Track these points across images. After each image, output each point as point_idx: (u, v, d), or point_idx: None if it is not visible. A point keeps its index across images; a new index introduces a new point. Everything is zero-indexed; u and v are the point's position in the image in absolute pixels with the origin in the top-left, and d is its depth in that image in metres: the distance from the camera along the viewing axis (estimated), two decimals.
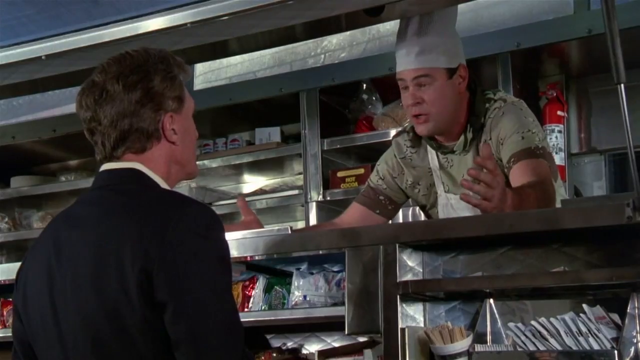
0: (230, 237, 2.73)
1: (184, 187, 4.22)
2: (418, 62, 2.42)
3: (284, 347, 2.72)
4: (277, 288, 2.38)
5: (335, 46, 3.94)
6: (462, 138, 2.49)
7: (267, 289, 2.41)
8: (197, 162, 4.18)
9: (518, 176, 2.31)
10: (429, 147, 2.59)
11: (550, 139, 3.52)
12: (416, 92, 2.43)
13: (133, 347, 1.55)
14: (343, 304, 2.24)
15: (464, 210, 2.46)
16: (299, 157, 3.94)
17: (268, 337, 2.69)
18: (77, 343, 1.60)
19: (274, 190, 4.18)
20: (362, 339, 2.39)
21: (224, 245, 1.62)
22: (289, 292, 2.35)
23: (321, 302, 2.33)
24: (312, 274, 2.30)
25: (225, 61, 4.19)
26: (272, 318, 2.42)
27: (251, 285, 2.44)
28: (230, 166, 4.16)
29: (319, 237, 2.15)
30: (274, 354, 2.66)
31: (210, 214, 1.63)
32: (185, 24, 2.25)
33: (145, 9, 2.24)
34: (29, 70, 2.43)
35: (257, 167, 4.19)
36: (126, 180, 1.66)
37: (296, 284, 2.34)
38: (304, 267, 2.39)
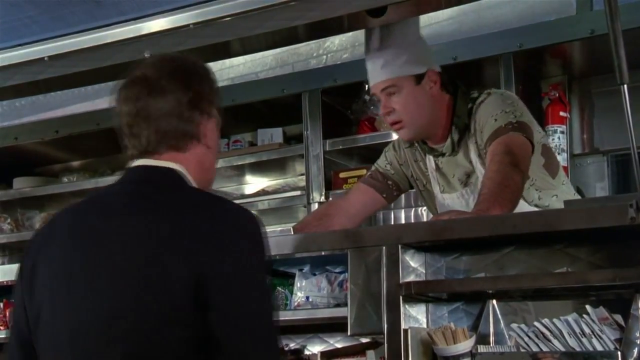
0: None
1: None
2: (383, 75, 2.50)
3: (286, 348, 2.72)
4: (280, 289, 2.38)
5: (337, 47, 3.94)
6: (448, 140, 2.54)
7: (273, 290, 2.41)
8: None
9: (489, 160, 2.33)
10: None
11: (553, 139, 3.52)
12: (387, 102, 2.51)
13: (159, 345, 1.53)
14: (346, 305, 2.24)
15: (468, 207, 2.48)
16: (301, 158, 3.93)
17: (289, 337, 2.69)
18: (97, 329, 1.57)
19: (276, 191, 4.18)
20: (364, 340, 2.39)
21: (267, 247, 1.63)
22: (291, 293, 2.35)
23: (324, 303, 2.32)
24: (314, 275, 2.30)
25: (227, 62, 4.18)
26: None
27: None
28: (233, 167, 4.15)
29: (321, 238, 2.15)
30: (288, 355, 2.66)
31: (253, 215, 1.63)
32: (188, 25, 2.25)
33: (148, 10, 2.24)
34: (32, 72, 2.43)
35: (259, 168, 4.19)
36: (167, 178, 1.66)
37: (299, 285, 2.34)
38: (306, 268, 2.39)
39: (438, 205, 2.65)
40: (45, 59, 2.35)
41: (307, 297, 2.30)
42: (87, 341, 1.56)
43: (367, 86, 3.82)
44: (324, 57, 3.96)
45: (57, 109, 4.54)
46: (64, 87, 2.27)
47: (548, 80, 3.62)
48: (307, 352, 2.68)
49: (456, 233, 2.01)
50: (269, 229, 4.09)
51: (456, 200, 2.58)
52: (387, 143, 3.70)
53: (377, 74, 2.53)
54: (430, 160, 2.63)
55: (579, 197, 2.73)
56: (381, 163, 2.77)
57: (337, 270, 2.33)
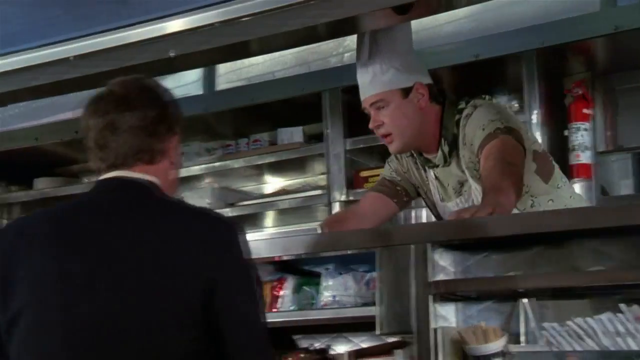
0: (259, 237, 2.74)
1: (206, 188, 4.23)
2: (371, 89, 2.52)
3: (311, 348, 2.70)
4: (306, 288, 2.37)
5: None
6: (439, 151, 2.56)
7: (296, 289, 2.40)
8: (220, 163, 4.20)
9: (481, 165, 2.37)
10: None
11: (577, 137, 3.49)
12: (376, 116, 2.53)
13: (167, 346, 1.58)
14: (373, 304, 2.23)
15: None
16: (321, 157, 3.93)
17: (296, 337, 2.68)
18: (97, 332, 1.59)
19: (296, 190, 4.17)
20: (391, 340, 2.37)
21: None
22: (318, 292, 2.33)
23: (350, 302, 2.31)
24: (340, 274, 2.29)
25: (246, 61, 4.19)
26: (301, 318, 2.40)
27: (280, 286, 2.43)
28: (252, 166, 4.15)
29: (349, 237, 2.14)
30: (302, 355, 2.65)
31: (237, 225, 1.71)
32: (213, 24, 2.24)
33: (174, 9, 2.23)
34: (57, 72, 2.42)
35: (279, 167, 4.18)
36: (146, 189, 1.70)
37: (325, 284, 2.33)
38: (332, 267, 2.37)
39: (440, 213, 2.66)
40: (71, 58, 2.35)
41: (334, 297, 2.29)
42: (88, 342, 1.58)
43: None
44: (344, 55, 3.94)
45: (76, 110, 4.55)
46: (88, 87, 2.27)
47: (571, 78, 3.58)
48: (332, 352, 2.67)
49: (486, 231, 2.00)
50: (289, 228, 4.10)
51: (454, 209, 2.56)
52: None
53: (365, 89, 2.55)
54: (429, 170, 2.65)
55: (578, 198, 2.70)
56: (386, 172, 2.78)
57: (363, 269, 2.32)
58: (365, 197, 2.82)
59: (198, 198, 4.25)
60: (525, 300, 2.02)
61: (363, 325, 2.36)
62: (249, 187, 4.38)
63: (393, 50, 2.53)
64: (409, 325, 2.03)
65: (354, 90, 3.83)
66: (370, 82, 2.52)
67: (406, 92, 2.52)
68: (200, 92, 4.41)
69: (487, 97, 2.75)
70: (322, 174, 3.98)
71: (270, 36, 2.41)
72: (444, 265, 2.08)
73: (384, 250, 2.03)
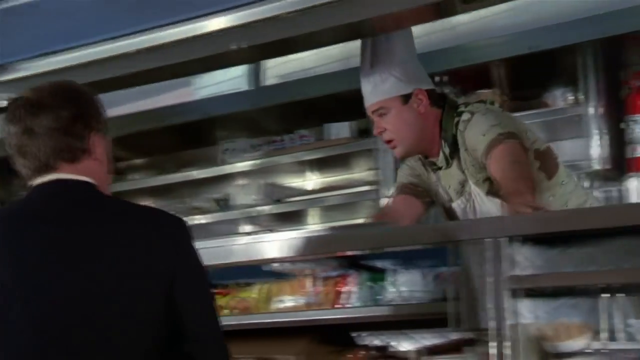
0: (324, 232, 2.70)
1: (252, 185, 4.19)
2: (372, 98, 2.62)
3: (372, 345, 2.65)
4: (371, 284, 2.31)
5: None
6: (441, 154, 2.64)
7: (361, 285, 2.34)
8: (267, 159, 4.18)
9: (492, 170, 2.45)
10: None
11: (634, 130, 3.41)
12: (379, 122, 2.64)
13: (134, 339, 1.63)
14: (442, 300, 2.18)
15: (462, 216, 2.64)
16: (368, 152, 3.89)
17: (358, 334, 2.62)
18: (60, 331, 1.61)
19: (343, 186, 4.13)
20: (457, 336, 2.32)
21: None
22: (383, 288, 2.28)
23: (418, 298, 2.25)
24: (407, 269, 2.23)
25: (293, 56, 4.14)
26: (367, 315, 2.35)
27: (343, 282, 2.38)
28: (299, 162, 4.12)
29: (422, 231, 2.09)
30: (361, 352, 2.61)
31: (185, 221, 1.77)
32: (279, 15, 2.20)
33: (239, 1, 2.20)
34: (126, 65, 2.41)
35: (325, 163, 4.14)
36: (85, 189, 1.71)
37: (392, 279, 2.27)
38: (398, 262, 2.31)
39: (449, 214, 2.71)
40: (135, 51, 2.33)
41: (401, 292, 2.23)
42: (52, 347, 1.59)
43: (441, 77, 3.78)
44: None
45: (120, 105, 4.54)
46: (158, 79, 2.26)
47: (630, 69, 3.50)
48: (394, 349, 2.62)
49: (565, 225, 1.94)
50: (337, 224, 4.00)
51: (458, 210, 2.66)
52: None
53: (367, 97, 2.65)
54: (434, 172, 2.71)
55: (582, 193, 2.70)
56: (403, 178, 2.82)
57: (428, 264, 2.26)
58: (393, 201, 2.85)
59: (243, 195, 4.22)
60: (607, 296, 1.95)
61: (429, 322, 2.30)
62: (295, 183, 4.34)
63: (392, 59, 2.62)
64: (483, 322, 1.98)
65: None
66: (371, 91, 2.62)
67: (406, 98, 2.60)
68: (246, 88, 4.38)
69: (487, 101, 2.78)
70: (370, 169, 3.94)
71: (323, 30, 2.39)
72: (521, 259, 2.01)
73: (458, 244, 1.97)
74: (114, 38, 2.49)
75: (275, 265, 2.49)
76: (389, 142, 2.65)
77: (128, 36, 2.46)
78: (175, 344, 1.66)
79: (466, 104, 2.62)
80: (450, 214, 2.71)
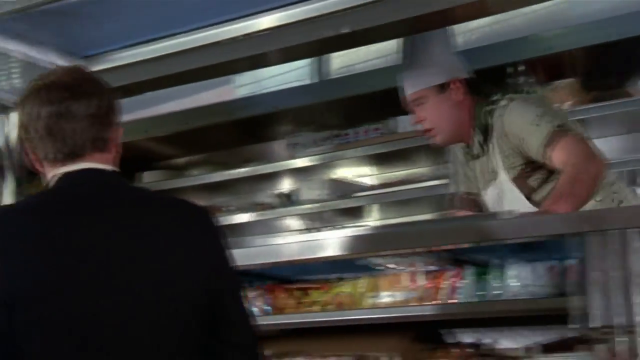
0: (436, 224, 2.62)
1: (320, 180, 4.12)
2: (409, 88, 2.73)
3: (467, 343, 2.57)
4: (488, 278, 2.22)
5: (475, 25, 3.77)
6: (475, 142, 2.71)
7: (477, 279, 2.25)
8: (333, 153, 4.10)
9: (558, 163, 2.47)
10: None
11: None
12: (418, 112, 2.74)
13: (186, 329, 1.63)
14: (559, 295, 2.10)
15: (493, 204, 2.70)
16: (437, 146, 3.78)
17: (449, 331, 2.54)
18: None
19: (411, 181, 4.04)
20: (572, 334, 2.22)
21: None
22: (502, 282, 2.19)
23: (530, 293, 2.16)
24: (529, 262, 2.14)
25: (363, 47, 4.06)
26: (472, 311, 2.27)
27: (458, 276, 2.30)
28: (367, 157, 4.03)
29: (549, 221, 2.00)
30: (452, 350, 2.53)
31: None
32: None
33: None
34: (226, 52, 2.35)
35: (398, 156, 4.05)
36: (118, 180, 1.71)
37: (511, 273, 2.18)
38: (517, 255, 2.22)
39: (482, 203, 2.77)
40: (241, 37, 2.27)
41: (523, 286, 2.14)
42: (101, 342, 1.57)
43: (518, 67, 3.69)
44: (465, 37, 3.79)
45: (180, 99, 4.49)
46: (255, 67, 2.21)
47: None
48: (490, 347, 2.53)
49: None
50: (412, 218, 3.90)
51: (488, 199, 2.73)
52: None
53: (406, 89, 2.75)
54: (472, 161, 2.78)
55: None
56: (459, 184, 2.89)
57: (547, 257, 2.16)
58: (457, 200, 2.88)
59: (307, 189, 4.15)
60: None
61: (542, 319, 2.22)
62: (364, 177, 4.26)
63: (428, 51, 2.71)
64: (617, 318, 1.89)
65: (476, 75, 3.73)
66: (409, 82, 2.72)
67: (442, 88, 2.69)
68: (310, 81, 4.31)
69: (528, 89, 2.87)
70: (446, 162, 3.84)
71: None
72: None
73: (594, 235, 1.88)
74: (205, 27, 2.43)
75: (374, 259, 2.42)
76: (428, 131, 2.74)
77: (220, 25, 2.40)
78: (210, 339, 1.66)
79: (503, 93, 2.67)
80: (482, 206, 2.77)
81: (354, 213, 4.13)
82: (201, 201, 4.47)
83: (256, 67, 2.98)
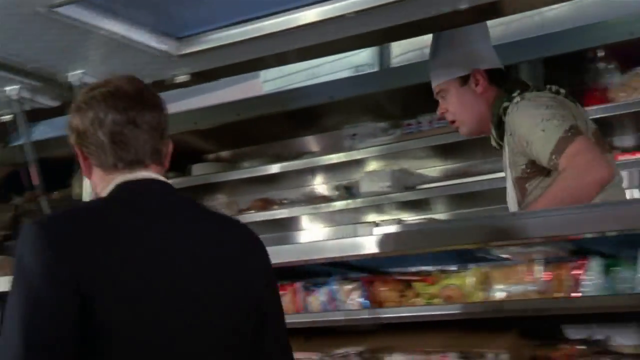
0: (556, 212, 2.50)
1: (384, 171, 3.99)
2: (434, 81, 2.79)
3: (581, 339, 2.44)
4: (619, 270, 2.10)
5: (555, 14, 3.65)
6: (493, 136, 2.73)
7: (606, 271, 2.13)
8: (398, 143, 3.96)
9: (560, 169, 2.45)
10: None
11: None
12: (442, 104, 2.79)
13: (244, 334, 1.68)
14: None
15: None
16: None
17: (570, 326, 2.41)
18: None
19: (478, 172, 3.91)
20: None
21: None
22: (636, 274, 2.06)
23: None
24: None
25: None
26: (614, 304, 2.14)
27: (582, 267, 2.17)
28: (433, 147, 3.90)
29: None
30: (567, 347, 2.40)
31: None
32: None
33: None
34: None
35: (461, 147, 3.91)
36: (176, 191, 1.73)
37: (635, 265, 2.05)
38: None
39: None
40: (319, 22, 2.17)
41: None
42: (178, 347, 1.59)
43: (598, 53, 3.56)
44: (544, 23, 3.66)
45: (226, 88, 4.34)
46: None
47: None
48: (607, 343, 2.40)
49: None
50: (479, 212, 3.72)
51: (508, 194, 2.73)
52: (620, 115, 3.42)
53: (432, 81, 2.80)
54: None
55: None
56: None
57: None
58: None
59: (369, 181, 4.02)
60: None
61: None
62: (427, 169, 4.12)
63: (451, 44, 2.74)
64: None
65: (553, 61, 3.60)
66: (434, 75, 2.78)
67: (464, 80, 2.72)
68: (373, 69, 4.18)
69: (551, 87, 2.69)
70: None
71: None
72: None
73: None
74: (296, 8, 2.31)
75: (491, 250, 2.30)
76: (452, 122, 2.79)
77: (311, 5, 2.28)
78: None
79: (522, 90, 2.63)
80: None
81: (418, 205, 4.00)
82: (255, 194, 4.36)
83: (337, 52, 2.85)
